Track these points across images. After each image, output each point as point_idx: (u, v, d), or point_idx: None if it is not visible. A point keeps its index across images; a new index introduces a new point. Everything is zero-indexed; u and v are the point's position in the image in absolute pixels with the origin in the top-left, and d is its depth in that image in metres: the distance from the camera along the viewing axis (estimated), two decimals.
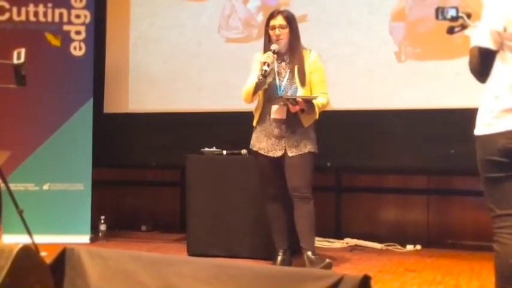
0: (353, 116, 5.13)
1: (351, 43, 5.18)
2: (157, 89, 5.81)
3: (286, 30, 4.06)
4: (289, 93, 4.02)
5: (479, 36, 2.59)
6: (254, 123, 4.17)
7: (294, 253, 4.24)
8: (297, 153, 4.03)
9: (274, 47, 4.01)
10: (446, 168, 4.94)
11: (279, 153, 4.06)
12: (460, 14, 2.77)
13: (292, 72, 4.07)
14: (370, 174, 5.42)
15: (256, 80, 3.98)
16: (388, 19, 5.13)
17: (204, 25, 5.70)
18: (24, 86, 4.14)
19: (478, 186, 2.69)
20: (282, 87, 4.05)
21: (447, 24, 2.82)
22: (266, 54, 4.01)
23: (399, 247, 5.03)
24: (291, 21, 4.09)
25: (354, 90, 5.15)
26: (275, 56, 4.01)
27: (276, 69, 4.07)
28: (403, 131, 5.03)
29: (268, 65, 3.93)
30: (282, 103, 4.01)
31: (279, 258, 4.15)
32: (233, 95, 5.43)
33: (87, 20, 5.48)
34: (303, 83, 4.04)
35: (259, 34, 5.42)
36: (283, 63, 4.11)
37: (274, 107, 4.04)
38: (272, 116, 4.06)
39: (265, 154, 4.10)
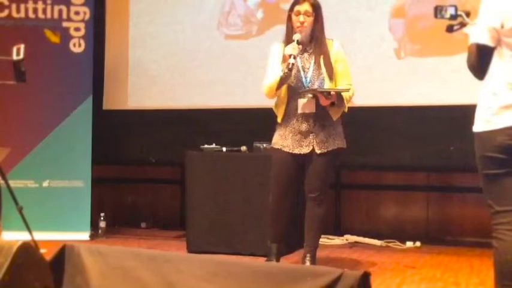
0: (352, 112, 5.06)
1: (351, 40, 5.16)
2: (156, 85, 5.81)
3: (311, 19, 3.81)
4: (316, 85, 3.79)
5: (477, 33, 2.59)
6: (279, 120, 3.89)
7: (293, 249, 4.23)
8: (325, 150, 3.81)
9: (297, 36, 3.74)
10: (446, 165, 4.95)
11: (305, 150, 3.81)
12: (459, 13, 2.76)
13: (317, 63, 3.82)
14: (369, 171, 5.42)
15: (281, 74, 3.72)
16: (387, 16, 5.13)
17: (203, 22, 5.69)
18: (24, 82, 4.14)
19: (478, 182, 2.69)
20: (308, 79, 3.81)
21: (447, 21, 2.82)
22: (291, 45, 3.72)
23: (399, 244, 5.03)
24: (317, 9, 3.84)
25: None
26: (300, 46, 3.74)
27: (299, 62, 3.83)
28: (403, 127, 5.03)
29: (295, 58, 3.69)
30: (310, 96, 3.77)
31: (274, 251, 3.96)
32: (232, 91, 5.46)
33: (87, 17, 5.47)
34: (330, 75, 3.81)
35: (259, 31, 5.43)
36: (305, 54, 3.85)
37: (302, 101, 3.78)
38: (300, 111, 3.79)
39: (290, 152, 3.83)
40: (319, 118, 3.81)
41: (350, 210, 5.54)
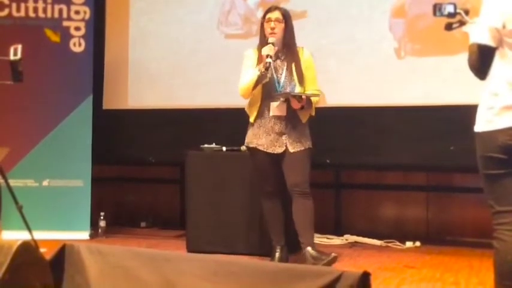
0: (352, 112, 5.13)
1: (351, 39, 5.17)
2: (156, 85, 5.81)
3: (282, 25, 4.07)
4: (287, 90, 4.03)
5: (478, 33, 2.58)
6: (251, 120, 4.13)
7: (292, 250, 4.23)
8: (299, 149, 4.03)
9: (272, 39, 4.01)
10: (446, 165, 4.94)
11: (279, 150, 4.04)
12: (458, 10, 2.76)
13: (289, 69, 4.07)
14: (369, 170, 5.42)
15: (258, 73, 3.95)
16: (388, 15, 5.13)
17: (203, 21, 5.69)
18: (21, 82, 4.13)
19: (478, 183, 2.69)
20: (281, 84, 4.05)
21: (447, 20, 2.81)
22: (267, 47, 3.98)
23: (398, 244, 5.03)
24: (287, 17, 4.11)
25: (353, 87, 5.15)
26: (276, 48, 4.00)
27: (272, 66, 4.05)
28: (403, 127, 5.02)
29: (271, 57, 3.93)
30: (282, 99, 4.01)
31: (277, 254, 4.14)
32: (232, 91, 5.41)
33: (87, 16, 5.48)
34: (301, 80, 4.06)
35: (259, 30, 5.42)
36: (278, 60, 4.09)
37: (275, 104, 4.03)
38: (272, 113, 4.03)
39: (265, 150, 4.07)
40: (291, 120, 4.05)
41: (350, 210, 5.54)
